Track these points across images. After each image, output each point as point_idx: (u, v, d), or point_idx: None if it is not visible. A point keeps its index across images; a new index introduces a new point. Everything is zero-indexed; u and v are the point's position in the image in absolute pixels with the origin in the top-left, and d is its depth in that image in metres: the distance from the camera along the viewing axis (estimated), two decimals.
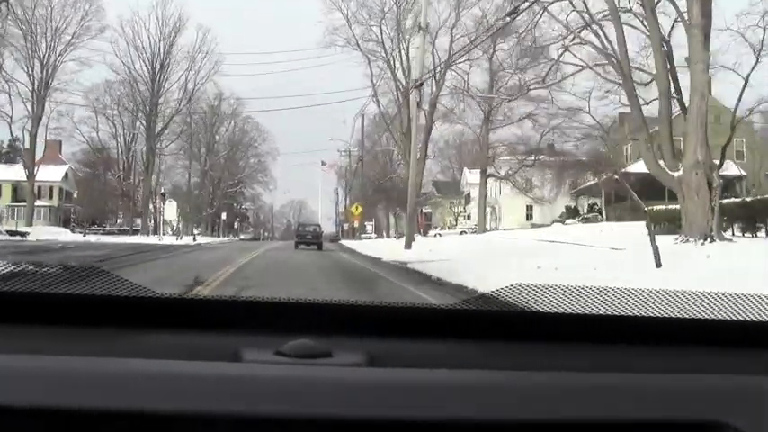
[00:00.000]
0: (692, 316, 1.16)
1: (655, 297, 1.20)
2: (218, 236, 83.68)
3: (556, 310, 1.16)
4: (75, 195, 64.76)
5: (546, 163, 48.98)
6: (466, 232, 58.89)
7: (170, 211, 42.94)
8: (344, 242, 59.75)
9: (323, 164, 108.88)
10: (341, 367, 1.00)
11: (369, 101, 51.78)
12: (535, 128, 49.40)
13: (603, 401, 0.96)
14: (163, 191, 44.20)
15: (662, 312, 1.17)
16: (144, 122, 61.95)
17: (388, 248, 28.38)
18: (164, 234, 49.88)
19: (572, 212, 51.89)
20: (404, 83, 52.49)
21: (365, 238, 71.52)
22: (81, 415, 0.87)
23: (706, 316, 1.16)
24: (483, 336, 1.13)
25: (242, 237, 77.18)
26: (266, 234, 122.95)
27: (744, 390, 1.01)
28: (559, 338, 1.13)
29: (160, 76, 60.92)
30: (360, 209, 41.97)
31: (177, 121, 65.46)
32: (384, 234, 79.82)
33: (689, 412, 0.95)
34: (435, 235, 53.84)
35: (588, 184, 45.05)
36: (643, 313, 1.16)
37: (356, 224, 45.32)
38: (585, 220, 42.48)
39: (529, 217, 59.75)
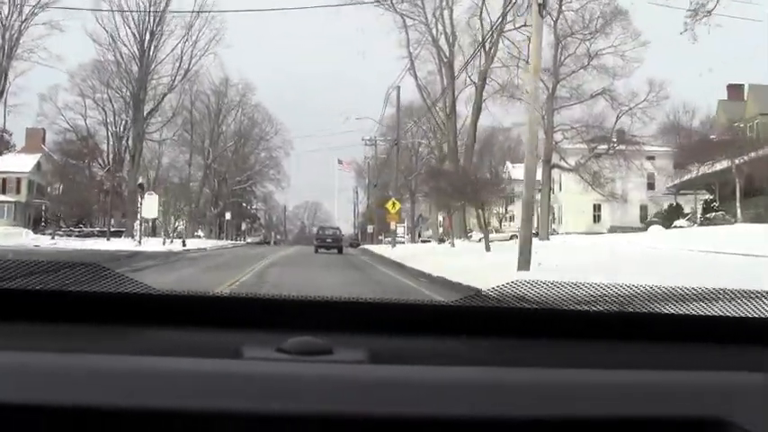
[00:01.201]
0: (694, 313, 1.15)
1: (657, 294, 1.20)
2: (224, 238, 74.29)
3: (557, 307, 1.17)
4: (52, 190, 54.34)
5: (625, 151, 38.96)
6: (516, 236, 49.07)
7: (151, 206, 33.02)
8: (370, 248, 50.09)
9: (340, 162, 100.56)
10: (342, 364, 0.99)
11: (404, 73, 41.63)
12: (613, 106, 39.51)
13: (605, 398, 0.96)
14: (140, 181, 33.78)
15: (664, 309, 1.16)
16: (130, 103, 51.99)
17: (476, 265, 16.71)
18: (149, 236, 40.04)
19: (674, 212, 41.29)
20: (447, 53, 42.57)
21: (398, 243, 62.76)
22: (82, 412, 0.87)
23: (707, 313, 1.15)
24: (484, 333, 1.12)
25: (249, 240, 67.68)
26: (278, 237, 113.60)
27: (745, 386, 1.01)
28: (561, 335, 1.12)
29: (150, 46, 50.97)
30: (398, 205, 32.29)
31: (172, 104, 55.51)
32: (420, 237, 70.59)
33: (690, 409, 0.96)
34: (480, 239, 43.80)
35: (707, 171, 34.49)
36: (645, 310, 1.16)
37: (393, 225, 35.17)
38: (707, 222, 32.21)
39: (597, 218, 49.59)
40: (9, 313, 1.09)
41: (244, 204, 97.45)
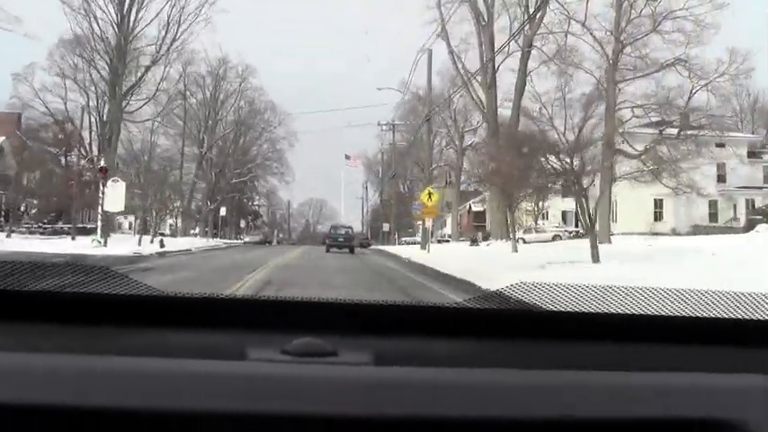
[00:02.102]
0: (696, 314, 1.16)
1: (658, 296, 1.20)
2: (222, 237, 67.16)
3: (560, 309, 1.17)
4: (18, 180, 46.78)
5: (697, 136, 31.70)
6: (560, 237, 41.81)
7: (116, 197, 25.62)
8: (386, 249, 42.87)
9: (347, 157, 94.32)
10: (347, 366, 1.00)
11: (432, 38, 34.20)
12: (691, 78, 32.22)
13: (608, 399, 0.97)
14: (102, 163, 26.27)
15: (665, 311, 1.17)
16: (106, 77, 44.61)
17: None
18: (137, 234, 32.67)
19: None
20: (485, 14, 35.21)
21: (411, 242, 56.50)
22: (85, 414, 0.88)
23: (709, 314, 1.16)
24: (488, 334, 1.13)
25: (247, 239, 60.29)
26: (281, 236, 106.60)
27: (747, 388, 1.02)
28: (564, 337, 1.13)
29: (130, 9, 43.50)
30: (435, 197, 24.90)
31: (157, 79, 47.97)
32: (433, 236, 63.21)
33: (693, 410, 0.96)
34: (519, 240, 36.62)
35: None
36: (646, 312, 1.16)
37: (429, 223, 27.60)
38: None
39: (658, 216, 42.25)
40: (11, 314, 1.08)
41: (245, 200, 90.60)
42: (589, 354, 1.10)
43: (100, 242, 24.71)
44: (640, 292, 1.21)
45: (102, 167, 25.87)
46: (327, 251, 34.44)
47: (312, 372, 0.96)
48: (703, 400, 0.98)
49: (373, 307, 1.18)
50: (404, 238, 61.88)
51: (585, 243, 31.06)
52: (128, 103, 45.79)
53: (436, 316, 1.20)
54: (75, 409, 0.87)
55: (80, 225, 42.46)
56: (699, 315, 1.16)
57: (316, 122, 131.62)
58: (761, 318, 1.16)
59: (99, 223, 26.31)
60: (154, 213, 38.70)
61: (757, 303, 1.18)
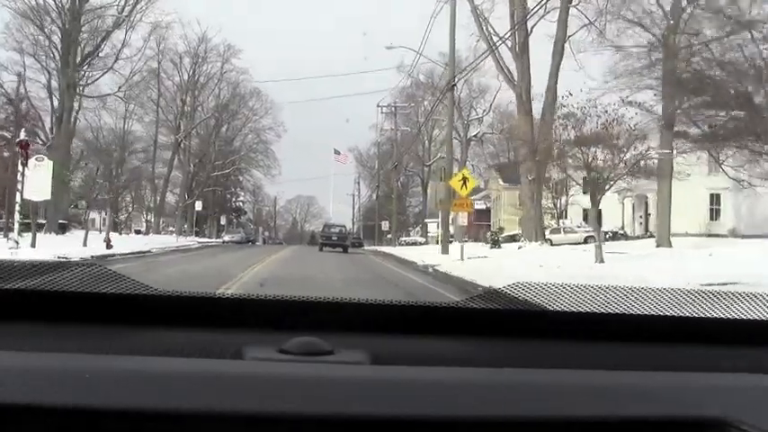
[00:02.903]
0: (695, 314, 1.17)
1: (657, 295, 1.21)
2: (202, 235, 60.55)
3: (558, 308, 1.18)
4: None
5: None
6: (593, 239, 35.66)
7: (40, 182, 19.13)
8: (385, 250, 36.49)
9: (336, 153, 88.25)
10: (344, 365, 1.01)
11: None
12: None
13: (606, 399, 0.97)
14: (23, 136, 19.73)
15: (664, 311, 1.17)
16: (58, 44, 37.75)
17: None
18: (123, 232, 26.06)
19: None
20: None
21: (415, 243, 50.32)
22: (83, 413, 0.88)
23: (708, 314, 1.17)
24: (485, 334, 1.14)
25: (227, 238, 53.57)
26: (266, 234, 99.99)
27: (747, 388, 1.02)
28: (561, 336, 1.14)
29: None
30: (472, 183, 18.24)
31: (126, 52, 41.15)
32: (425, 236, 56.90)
33: (692, 410, 0.97)
34: (546, 241, 30.29)
35: None
36: (647, 312, 1.17)
37: (462, 219, 20.72)
38: None
39: (714, 214, 36.11)
40: (10, 314, 1.08)
41: (228, 195, 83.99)
42: (587, 353, 1.10)
43: (17, 243, 18.08)
44: (638, 291, 1.22)
45: (21, 141, 18.95)
46: (321, 249, 34.21)
47: (309, 371, 0.97)
48: (699, 399, 0.98)
49: (370, 306, 1.18)
50: (402, 238, 55.36)
51: (650, 245, 25.23)
52: (85, 75, 39.06)
53: (433, 315, 1.19)
54: (72, 408, 0.87)
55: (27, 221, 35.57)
56: (696, 315, 1.16)
57: (305, 112, 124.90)
58: (757, 317, 1.16)
59: (16, 217, 19.54)
60: (109, 209, 31.84)
61: (754, 303, 1.17)
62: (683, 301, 1.20)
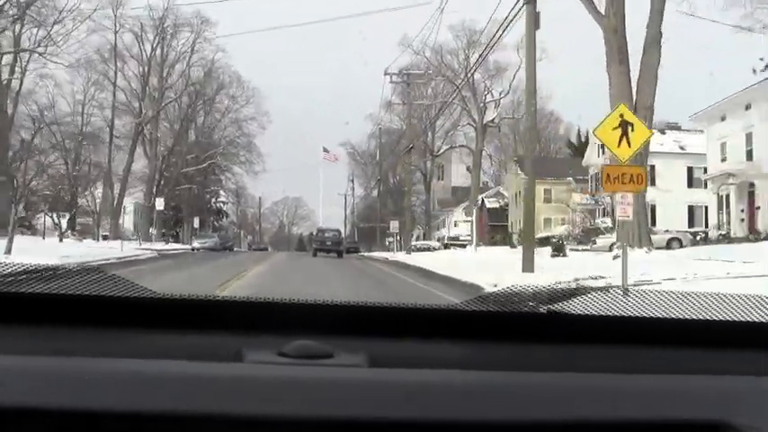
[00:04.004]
0: (694, 316, 1.17)
1: (656, 297, 1.22)
2: (171, 239, 51.48)
3: (560, 311, 1.18)
4: None
5: None
6: (679, 241, 26.95)
7: None
8: (402, 259, 27.45)
9: (325, 151, 79.76)
10: (342, 368, 1.01)
11: None
12: None
13: (605, 402, 0.98)
14: None
15: (663, 313, 1.18)
16: None
17: None
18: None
19: None
20: None
21: (421, 248, 41.60)
22: (82, 416, 0.89)
23: (707, 317, 1.17)
24: (484, 336, 1.14)
25: (196, 245, 43.70)
26: (249, 239, 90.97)
27: (746, 390, 1.03)
28: (562, 339, 1.14)
29: None
30: (640, 131, 9.96)
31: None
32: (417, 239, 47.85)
33: (691, 413, 0.97)
34: (614, 246, 21.48)
35: None
36: (644, 314, 1.17)
37: (626, 209, 12.27)
38: None
39: None
40: (10, 317, 1.09)
41: (208, 196, 74.81)
42: (587, 356, 1.10)
43: None
44: (638, 294, 1.22)
45: None
46: (314, 255, 33.40)
47: (308, 374, 0.97)
48: (700, 402, 0.99)
49: (370, 309, 1.18)
50: (413, 243, 46.14)
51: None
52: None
53: (433, 318, 1.19)
54: (71, 411, 0.87)
55: None
56: (692, 317, 1.16)
57: (292, 104, 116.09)
58: (755, 320, 1.15)
59: None
60: (13, 204, 22.87)
61: (752, 305, 1.17)
62: (684, 303, 1.18)
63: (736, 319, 1.16)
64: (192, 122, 57.63)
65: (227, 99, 60.28)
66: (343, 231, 61.19)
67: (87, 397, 0.89)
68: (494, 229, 55.79)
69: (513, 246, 42.69)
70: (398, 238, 52.42)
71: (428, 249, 44.13)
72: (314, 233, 42.05)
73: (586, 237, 35.89)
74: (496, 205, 60.96)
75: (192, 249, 41.43)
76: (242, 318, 1.14)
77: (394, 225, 44.14)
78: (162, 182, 54.07)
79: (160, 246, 40.02)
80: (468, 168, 62.41)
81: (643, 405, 0.96)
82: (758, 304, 1.17)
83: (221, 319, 1.14)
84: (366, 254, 48.59)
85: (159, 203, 39.59)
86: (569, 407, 0.95)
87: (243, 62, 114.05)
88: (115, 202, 47.57)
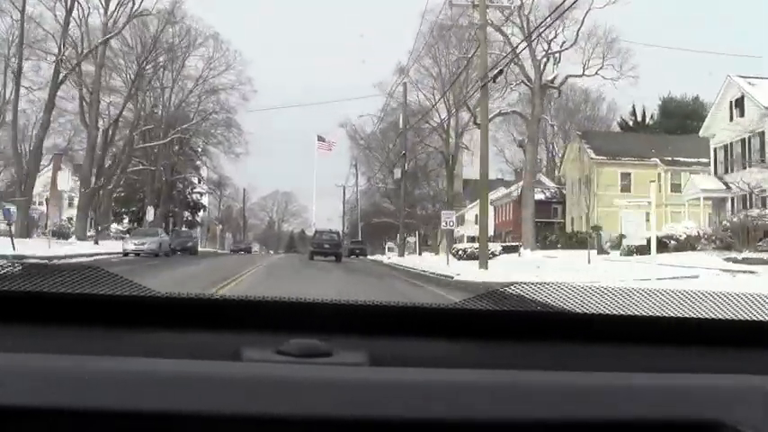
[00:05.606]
0: (692, 315, 1.18)
1: (655, 296, 1.22)
2: (119, 236, 38.08)
3: (559, 310, 1.19)
4: None
5: None
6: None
7: None
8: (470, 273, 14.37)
9: (320, 140, 66.48)
10: (342, 367, 1.02)
11: None
12: None
13: (604, 401, 0.98)
14: None
15: (662, 312, 1.18)
16: None
17: None
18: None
19: None
20: None
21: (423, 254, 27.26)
22: (80, 415, 0.89)
23: (706, 315, 1.18)
24: (484, 335, 1.14)
25: (130, 247, 28.55)
26: (233, 239, 77.56)
27: (744, 389, 1.03)
28: (561, 338, 1.15)
29: None
30: None
31: None
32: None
33: (689, 411, 0.98)
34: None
35: None
36: (643, 313, 1.18)
37: None
38: None
39: None
40: (8, 315, 1.09)
41: (182, 186, 61.48)
42: (586, 355, 1.10)
43: None
44: (638, 293, 1.23)
45: None
46: (311, 258, 32.78)
47: (308, 372, 0.97)
48: (702, 400, 0.99)
49: (369, 307, 1.18)
50: (458, 246, 32.49)
51: None
52: None
53: (432, 316, 1.20)
54: (70, 410, 0.88)
55: None
56: (694, 316, 1.16)
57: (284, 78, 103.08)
58: (756, 318, 1.16)
59: None
60: None
61: (752, 304, 1.17)
62: (680, 302, 1.19)
63: (732, 318, 1.15)
64: (149, 83, 44.12)
65: (201, 63, 47.33)
66: (341, 230, 50.49)
67: (87, 396, 0.89)
68: (541, 226, 42.92)
69: (602, 251, 29.49)
70: (411, 238, 42.31)
71: (470, 255, 30.63)
72: (306, 232, 34.82)
73: (737, 238, 22.72)
74: (542, 197, 48.02)
75: (124, 254, 27.88)
76: (240, 316, 1.13)
77: (447, 216, 26.63)
78: (105, 159, 40.63)
79: (78, 246, 26.76)
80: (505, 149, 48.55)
81: (641, 404, 0.96)
82: (754, 303, 1.16)
83: (220, 317, 1.13)
84: (381, 258, 37.26)
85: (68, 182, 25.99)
86: (569, 406, 0.95)
87: (222, 17, 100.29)
88: (23, 186, 34.00)
